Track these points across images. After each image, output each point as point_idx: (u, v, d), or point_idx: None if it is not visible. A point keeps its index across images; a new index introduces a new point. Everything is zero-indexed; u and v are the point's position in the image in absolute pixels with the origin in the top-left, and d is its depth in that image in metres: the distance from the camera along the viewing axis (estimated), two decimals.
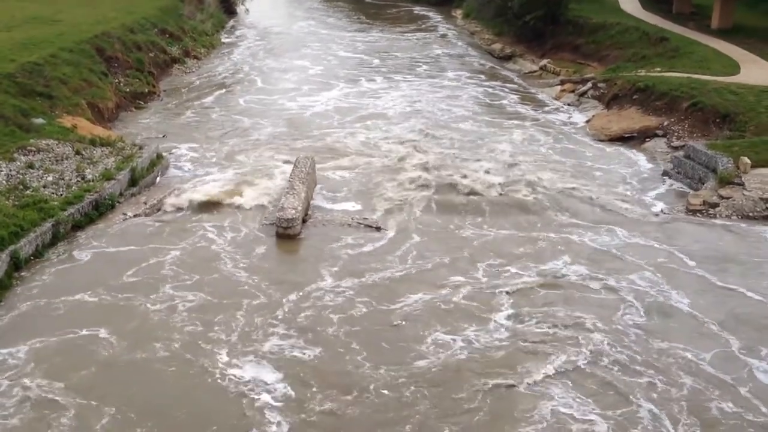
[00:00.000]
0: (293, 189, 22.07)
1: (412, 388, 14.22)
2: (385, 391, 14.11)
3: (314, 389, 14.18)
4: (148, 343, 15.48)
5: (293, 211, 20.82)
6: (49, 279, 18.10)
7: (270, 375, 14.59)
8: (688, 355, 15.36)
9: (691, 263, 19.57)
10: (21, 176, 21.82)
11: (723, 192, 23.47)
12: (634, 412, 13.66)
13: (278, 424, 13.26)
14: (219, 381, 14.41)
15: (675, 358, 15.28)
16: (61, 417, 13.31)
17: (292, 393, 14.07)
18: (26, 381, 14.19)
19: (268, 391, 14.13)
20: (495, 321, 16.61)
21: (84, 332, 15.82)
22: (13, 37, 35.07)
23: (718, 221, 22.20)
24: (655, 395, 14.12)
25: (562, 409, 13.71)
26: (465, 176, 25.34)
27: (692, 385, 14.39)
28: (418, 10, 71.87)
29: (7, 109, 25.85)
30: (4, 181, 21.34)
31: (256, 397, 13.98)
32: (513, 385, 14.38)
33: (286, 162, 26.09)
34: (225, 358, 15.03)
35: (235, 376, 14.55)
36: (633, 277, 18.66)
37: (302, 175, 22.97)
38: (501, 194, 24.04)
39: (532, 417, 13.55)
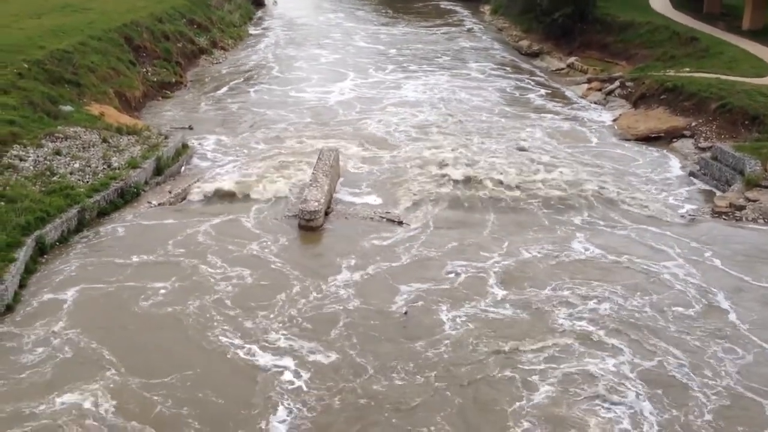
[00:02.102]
0: (316, 181, 22.11)
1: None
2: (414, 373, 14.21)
3: (332, 374, 14.31)
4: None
5: (316, 204, 20.86)
6: (86, 249, 18.92)
7: (289, 360, 14.75)
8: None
9: (718, 262, 19.40)
10: (48, 162, 22.05)
11: (750, 194, 23.21)
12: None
13: (299, 402, 13.41)
14: (236, 360, 14.67)
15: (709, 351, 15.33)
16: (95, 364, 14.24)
17: (312, 376, 14.23)
18: (61, 325, 15.62)
19: (290, 373, 14.38)
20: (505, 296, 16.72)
21: (121, 286, 17.05)
22: (42, 24, 35.43)
23: (745, 224, 21.96)
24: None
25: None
26: (488, 170, 25.26)
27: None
28: (445, 4, 71.64)
29: (35, 96, 26.14)
30: (31, 167, 21.57)
31: (273, 375, 14.27)
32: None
33: (310, 153, 26.20)
34: (242, 342, 15.17)
35: (253, 358, 14.84)
36: (660, 275, 18.54)
37: (326, 168, 23.00)
38: (525, 189, 23.93)
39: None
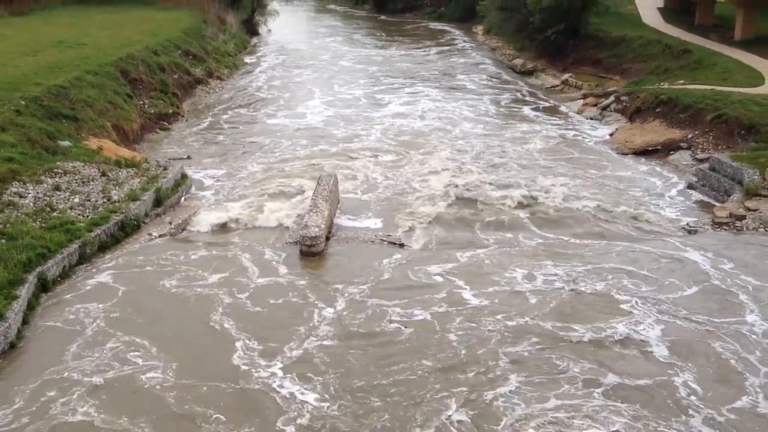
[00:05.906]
0: (316, 207, 22.13)
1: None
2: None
3: (340, 394, 14.23)
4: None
5: (317, 229, 20.87)
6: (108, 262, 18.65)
7: (296, 383, 14.67)
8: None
9: (728, 270, 19.42)
10: (48, 198, 22.07)
11: (749, 204, 23.23)
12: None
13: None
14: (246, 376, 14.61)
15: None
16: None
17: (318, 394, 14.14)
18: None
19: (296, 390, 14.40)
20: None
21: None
22: (38, 60, 35.62)
23: (746, 233, 21.95)
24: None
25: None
26: (488, 188, 25.36)
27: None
28: (437, 26, 72.22)
29: (33, 132, 26.21)
30: (31, 204, 21.58)
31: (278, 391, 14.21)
32: None
33: (308, 178, 26.33)
34: (251, 360, 15.15)
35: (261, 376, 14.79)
36: (662, 286, 18.55)
37: (325, 193, 23.04)
38: (523, 207, 23.96)
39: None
